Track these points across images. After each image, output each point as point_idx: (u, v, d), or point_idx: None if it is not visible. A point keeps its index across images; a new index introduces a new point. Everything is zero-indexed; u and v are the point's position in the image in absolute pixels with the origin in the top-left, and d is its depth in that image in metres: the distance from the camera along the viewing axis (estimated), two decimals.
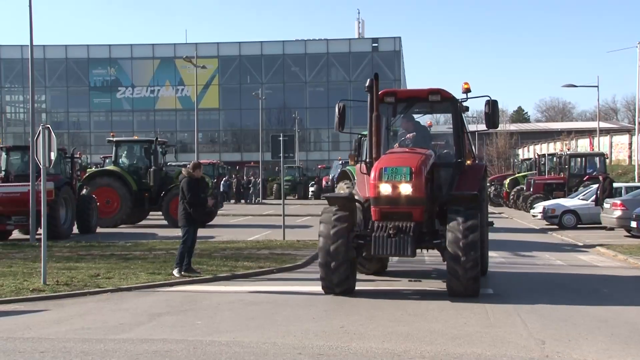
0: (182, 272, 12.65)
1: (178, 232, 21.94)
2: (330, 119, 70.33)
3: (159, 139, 26.33)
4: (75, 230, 22.05)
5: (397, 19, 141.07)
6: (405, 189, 10.14)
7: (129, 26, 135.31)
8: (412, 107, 11.99)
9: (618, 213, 20.85)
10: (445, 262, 10.33)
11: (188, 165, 13.30)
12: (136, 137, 29.38)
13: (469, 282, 9.98)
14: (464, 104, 12.03)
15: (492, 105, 11.27)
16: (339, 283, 10.38)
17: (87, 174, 26.70)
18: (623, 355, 7.20)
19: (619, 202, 21.18)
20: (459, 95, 12.00)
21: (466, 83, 11.56)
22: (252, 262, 14.19)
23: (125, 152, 26.18)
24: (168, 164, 28.53)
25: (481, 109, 15.74)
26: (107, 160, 36.02)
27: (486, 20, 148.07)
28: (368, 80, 11.16)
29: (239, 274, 12.89)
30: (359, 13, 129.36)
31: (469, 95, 11.58)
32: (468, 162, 11.34)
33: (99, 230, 22.94)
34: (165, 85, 74.17)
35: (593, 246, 18.27)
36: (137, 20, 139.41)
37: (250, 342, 7.66)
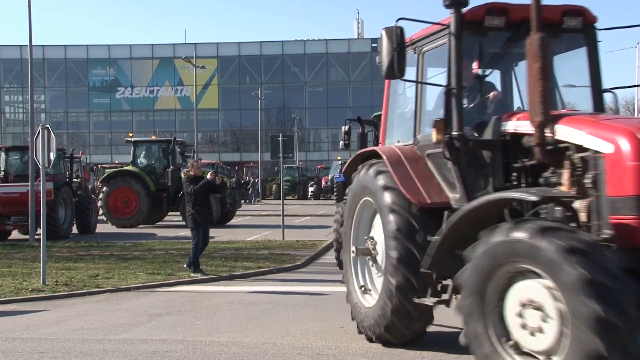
0: (185, 266, 12.73)
1: (178, 232, 22.13)
2: (331, 119, 70.12)
3: (176, 139, 26.40)
4: (74, 230, 22.06)
5: (396, 19, 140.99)
6: None
7: (128, 26, 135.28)
8: (521, 41, 6.25)
9: None
10: None
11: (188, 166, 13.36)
12: (154, 137, 29.41)
13: None
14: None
15: None
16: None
17: (105, 174, 26.78)
18: None
19: None
20: None
21: None
22: (251, 262, 14.19)
23: (143, 152, 26.22)
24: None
25: None
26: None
27: None
28: None
29: (238, 274, 12.89)
30: (358, 13, 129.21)
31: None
32: None
33: (98, 230, 22.92)
34: (165, 86, 74.11)
35: None
36: (136, 21, 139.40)
37: (249, 342, 7.66)
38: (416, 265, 6.44)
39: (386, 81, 7.63)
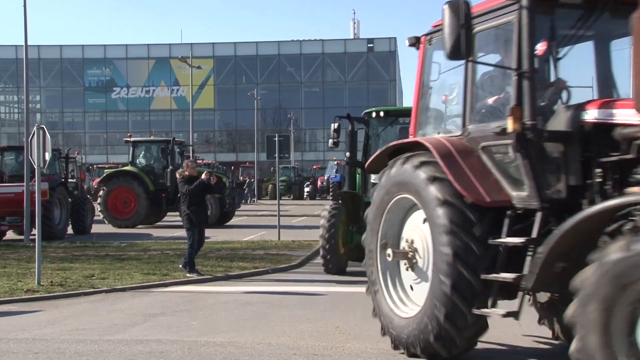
0: (181, 266, 12.69)
1: (174, 232, 22.09)
2: (327, 119, 70.34)
3: (176, 139, 26.42)
4: (69, 230, 22.01)
5: (392, 20, 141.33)
6: None
7: (124, 26, 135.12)
8: (591, 22, 5.97)
9: None
10: None
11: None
12: (153, 137, 29.40)
13: None
14: None
15: None
16: None
17: (104, 174, 26.75)
18: None
19: None
20: None
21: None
22: (247, 262, 14.18)
23: (142, 152, 26.21)
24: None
25: None
26: None
27: None
28: None
29: (234, 274, 12.88)
30: (354, 13, 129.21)
31: None
32: None
33: (94, 230, 22.87)
34: (161, 86, 74.03)
35: None
36: (132, 21, 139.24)
37: (245, 343, 7.65)
38: (475, 263, 5.77)
39: (418, 68, 6.94)
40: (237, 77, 73.62)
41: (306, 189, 52.83)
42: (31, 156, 12.19)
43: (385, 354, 7.09)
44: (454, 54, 5.57)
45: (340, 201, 13.30)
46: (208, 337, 7.96)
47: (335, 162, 47.57)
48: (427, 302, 6.11)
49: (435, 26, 6.68)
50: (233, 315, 9.40)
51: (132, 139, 26.48)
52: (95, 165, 49.82)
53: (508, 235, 5.75)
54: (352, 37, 78.07)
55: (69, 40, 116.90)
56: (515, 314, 5.75)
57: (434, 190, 6.00)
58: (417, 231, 6.53)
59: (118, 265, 13.75)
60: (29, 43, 19.98)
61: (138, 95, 74.59)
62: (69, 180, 23.34)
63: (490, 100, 6.26)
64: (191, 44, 66.20)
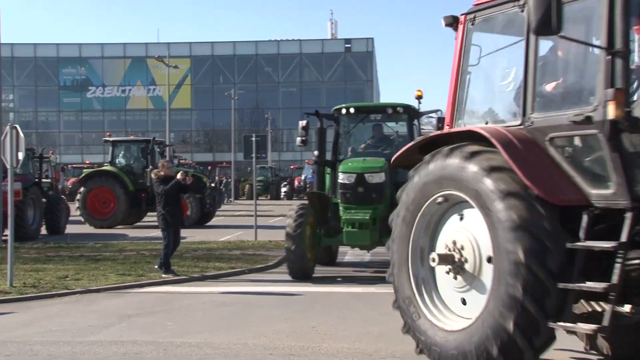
0: (157, 267, 12.59)
1: (150, 233, 21.94)
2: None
3: (155, 139, 26.26)
4: (43, 231, 21.75)
5: (369, 20, 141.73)
6: None
7: (99, 25, 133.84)
8: None
9: None
10: None
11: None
12: (133, 137, 29.17)
13: None
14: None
15: None
16: None
17: (83, 174, 26.49)
18: None
19: None
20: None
21: (419, 90, 10.76)
22: (223, 262, 14.13)
23: (121, 152, 26.00)
24: None
25: None
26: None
27: None
28: None
29: (210, 274, 12.82)
30: (332, 14, 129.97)
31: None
32: None
33: (71, 230, 22.64)
34: (137, 85, 73.50)
35: None
36: (108, 19, 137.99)
37: (221, 343, 7.62)
38: (544, 295, 4.98)
39: (456, 52, 6.22)
40: (214, 77, 73.32)
41: (283, 189, 52.78)
42: (4, 156, 12.01)
43: (361, 354, 7.11)
44: (542, 29, 4.83)
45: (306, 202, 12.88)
46: (184, 338, 7.91)
47: (311, 165, 47.57)
48: (479, 325, 5.27)
49: (478, 4, 6.08)
50: (209, 315, 9.36)
51: (111, 139, 26.29)
52: (70, 165, 49.28)
53: (587, 239, 4.99)
54: (329, 37, 78.17)
55: (43, 39, 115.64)
56: (605, 329, 4.96)
57: (507, 209, 5.11)
58: (465, 233, 5.65)
59: (93, 266, 13.61)
60: (2, 41, 19.72)
61: (114, 95, 73.96)
62: (44, 180, 23.06)
63: (549, 87, 5.56)
64: (168, 43, 65.82)
